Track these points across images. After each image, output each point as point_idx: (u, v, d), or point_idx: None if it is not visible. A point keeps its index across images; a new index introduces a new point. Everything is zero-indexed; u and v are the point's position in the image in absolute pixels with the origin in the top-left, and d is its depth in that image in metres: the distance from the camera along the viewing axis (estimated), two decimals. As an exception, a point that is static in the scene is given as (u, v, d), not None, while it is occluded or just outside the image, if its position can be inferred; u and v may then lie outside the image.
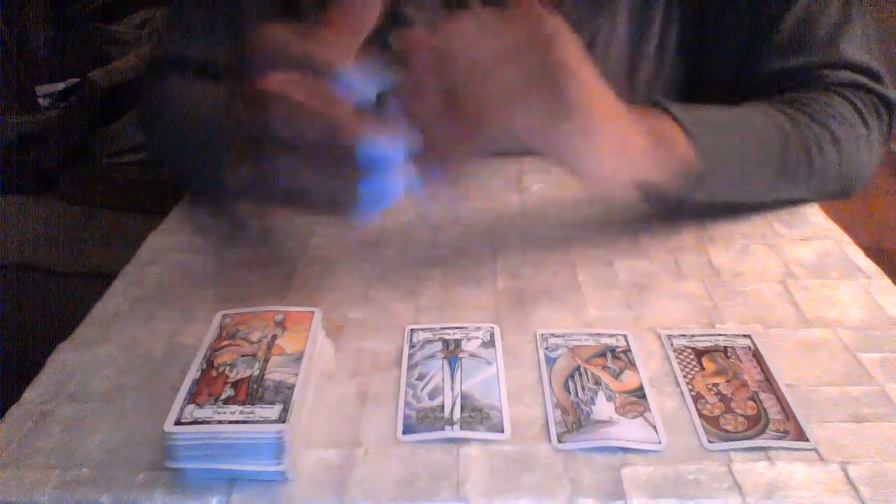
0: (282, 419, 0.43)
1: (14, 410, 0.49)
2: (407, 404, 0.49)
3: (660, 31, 0.77)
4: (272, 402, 0.44)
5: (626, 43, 0.78)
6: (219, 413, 0.43)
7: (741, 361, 0.53)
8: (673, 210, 0.70)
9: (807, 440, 0.46)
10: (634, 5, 0.76)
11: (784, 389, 0.50)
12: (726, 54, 0.77)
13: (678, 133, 0.61)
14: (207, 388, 0.45)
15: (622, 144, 0.55)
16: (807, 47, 0.74)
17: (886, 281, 0.62)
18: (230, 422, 0.42)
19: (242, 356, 0.47)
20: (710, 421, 0.48)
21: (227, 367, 0.46)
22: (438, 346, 0.55)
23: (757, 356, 0.53)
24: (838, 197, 0.75)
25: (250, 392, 0.44)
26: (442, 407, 0.49)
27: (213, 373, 0.46)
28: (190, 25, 0.81)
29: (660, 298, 0.60)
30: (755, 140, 0.68)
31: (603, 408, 0.48)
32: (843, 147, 0.70)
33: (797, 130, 0.69)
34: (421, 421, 0.48)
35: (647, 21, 0.77)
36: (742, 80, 0.76)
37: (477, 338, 0.55)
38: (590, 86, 0.52)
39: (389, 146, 0.45)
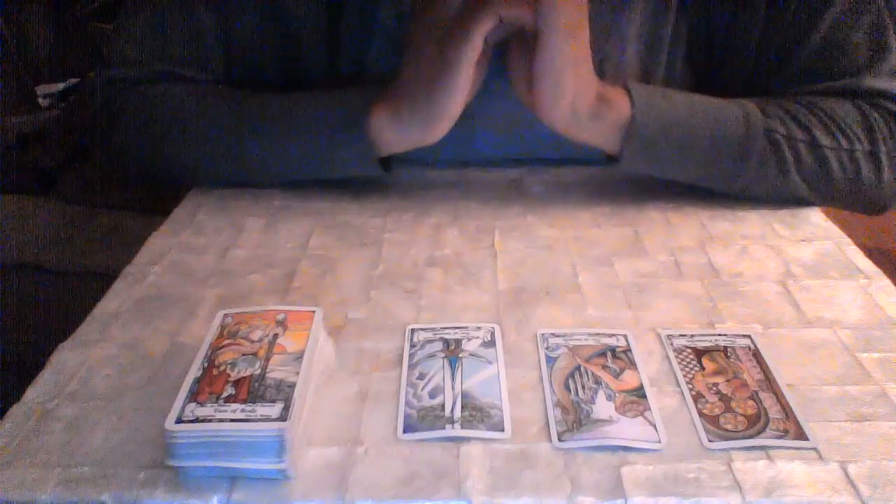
0: (283, 417, 0.43)
1: (15, 409, 0.49)
2: (407, 403, 0.49)
3: (668, 50, 0.77)
4: (273, 401, 0.44)
5: (636, 62, 0.77)
6: (220, 411, 0.43)
7: (741, 361, 0.53)
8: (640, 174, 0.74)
9: (806, 439, 0.46)
10: (643, 27, 0.76)
11: (784, 389, 0.50)
12: (736, 72, 0.77)
13: (624, 98, 0.69)
14: (209, 386, 0.45)
15: (574, 95, 0.67)
16: (828, 76, 0.74)
17: (886, 281, 0.63)
18: (231, 420, 0.43)
19: (244, 355, 0.47)
20: (710, 420, 0.48)
21: (229, 366, 0.46)
22: (439, 345, 0.55)
23: (757, 356, 0.53)
24: (863, 211, 0.76)
25: (251, 390, 0.44)
26: (442, 406, 0.49)
27: (215, 371, 0.46)
28: (170, 38, 0.80)
29: (660, 298, 0.60)
30: (710, 115, 0.70)
31: (603, 407, 0.49)
32: (826, 154, 0.70)
33: (766, 122, 0.70)
34: (421, 420, 0.48)
35: (656, 39, 0.77)
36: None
37: (477, 337, 0.55)
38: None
39: None
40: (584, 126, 0.69)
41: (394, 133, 0.70)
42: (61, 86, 1.93)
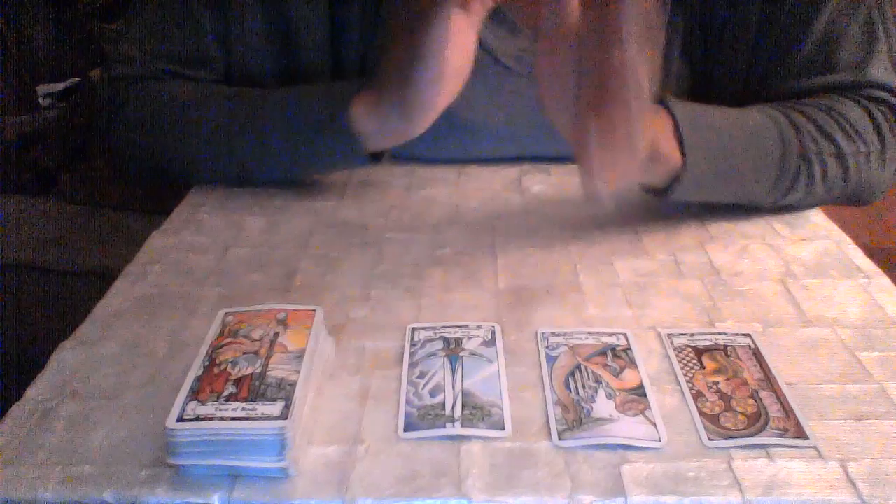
0: (283, 416, 0.43)
1: (17, 408, 0.49)
2: (408, 402, 0.49)
3: (665, 43, 0.77)
4: (274, 399, 0.44)
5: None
6: (221, 410, 0.43)
7: (741, 360, 0.53)
8: (674, 204, 0.72)
9: (806, 438, 0.46)
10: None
11: (784, 388, 0.50)
12: (733, 66, 0.77)
13: (672, 139, 0.64)
14: (210, 385, 0.45)
15: (630, 147, 0.57)
16: (829, 69, 0.74)
17: (886, 280, 0.63)
18: (232, 418, 0.43)
19: (244, 354, 0.47)
20: (711, 419, 0.48)
21: (230, 365, 0.46)
22: (439, 344, 0.55)
23: (757, 355, 0.54)
24: (852, 204, 0.76)
25: (252, 389, 0.44)
26: (443, 404, 0.49)
27: (216, 370, 0.46)
28: (171, 38, 0.80)
29: (660, 297, 0.61)
30: (752, 144, 0.68)
31: (603, 405, 0.49)
32: (848, 162, 0.70)
33: (799, 139, 0.69)
34: (422, 418, 0.48)
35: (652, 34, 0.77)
36: (760, 97, 0.76)
37: (478, 336, 0.55)
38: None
39: None
40: (634, 173, 0.62)
41: (374, 124, 0.69)
42: (61, 86, 1.93)
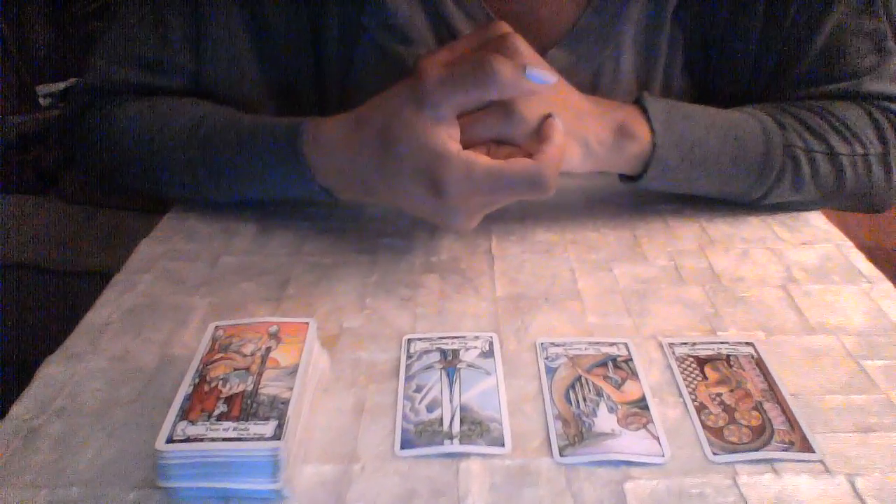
0: (277, 436, 0.42)
1: (1, 427, 0.48)
2: (405, 417, 0.48)
3: (666, 57, 0.76)
4: (266, 419, 0.43)
5: (632, 72, 0.76)
6: (212, 430, 0.42)
7: (744, 370, 0.52)
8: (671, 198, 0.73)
9: (812, 451, 0.45)
10: (638, 36, 0.75)
11: (788, 399, 0.49)
12: (735, 80, 0.75)
13: (643, 125, 0.66)
14: (200, 403, 0.44)
15: (586, 137, 0.64)
16: (830, 82, 0.73)
17: (888, 285, 0.62)
18: (224, 439, 0.41)
19: (235, 370, 0.46)
20: (714, 432, 0.47)
21: (220, 382, 0.45)
22: (436, 356, 0.53)
23: (760, 364, 0.52)
24: (864, 210, 0.75)
25: (244, 408, 0.43)
26: (441, 420, 0.48)
27: (206, 387, 0.45)
28: (141, 49, 0.76)
29: (661, 305, 0.59)
30: (730, 135, 0.68)
31: (605, 420, 0.48)
32: (841, 161, 0.69)
33: (784, 135, 0.68)
34: (419, 435, 0.47)
35: (652, 48, 0.75)
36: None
37: (475, 347, 0.54)
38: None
39: None
40: (602, 159, 0.66)
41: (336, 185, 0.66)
42: (62, 85, 1.92)
